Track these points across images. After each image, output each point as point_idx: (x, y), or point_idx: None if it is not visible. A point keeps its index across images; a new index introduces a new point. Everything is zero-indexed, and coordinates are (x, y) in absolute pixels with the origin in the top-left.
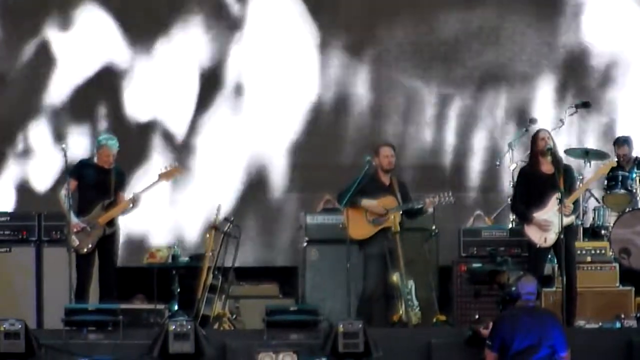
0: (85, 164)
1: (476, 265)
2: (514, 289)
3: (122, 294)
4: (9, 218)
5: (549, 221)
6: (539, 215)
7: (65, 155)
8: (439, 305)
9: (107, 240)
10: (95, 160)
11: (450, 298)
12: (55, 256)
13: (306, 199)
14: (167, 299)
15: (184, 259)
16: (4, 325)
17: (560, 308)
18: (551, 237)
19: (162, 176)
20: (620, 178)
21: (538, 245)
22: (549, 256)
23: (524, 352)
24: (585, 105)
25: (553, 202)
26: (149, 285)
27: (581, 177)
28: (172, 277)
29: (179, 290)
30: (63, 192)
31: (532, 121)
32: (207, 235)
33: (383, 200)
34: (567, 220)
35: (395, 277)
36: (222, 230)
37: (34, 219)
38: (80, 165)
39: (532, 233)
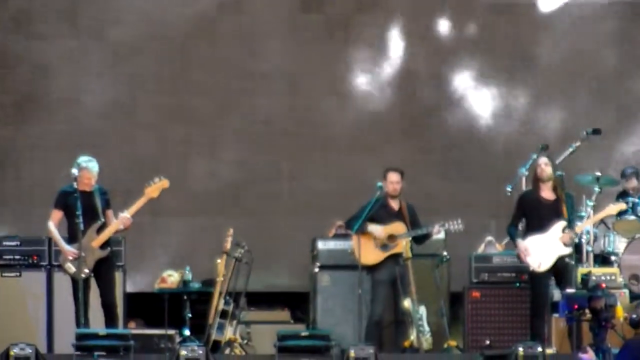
0: (67, 192)
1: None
2: (634, 316)
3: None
4: (19, 243)
5: (529, 250)
6: (536, 239)
7: (76, 180)
8: (450, 331)
9: (104, 263)
10: (76, 185)
11: (462, 324)
12: (66, 281)
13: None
14: (178, 324)
15: (196, 284)
16: (15, 350)
17: (568, 335)
18: (546, 263)
19: (148, 191)
20: (630, 205)
21: (531, 269)
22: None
23: None
24: (595, 132)
25: (554, 229)
26: (160, 311)
27: (592, 205)
28: (184, 303)
29: (190, 315)
30: (51, 222)
31: (544, 147)
32: (219, 261)
33: (392, 226)
34: (566, 250)
35: (406, 303)
36: (233, 256)
37: (44, 243)
38: (63, 194)
39: (527, 258)
